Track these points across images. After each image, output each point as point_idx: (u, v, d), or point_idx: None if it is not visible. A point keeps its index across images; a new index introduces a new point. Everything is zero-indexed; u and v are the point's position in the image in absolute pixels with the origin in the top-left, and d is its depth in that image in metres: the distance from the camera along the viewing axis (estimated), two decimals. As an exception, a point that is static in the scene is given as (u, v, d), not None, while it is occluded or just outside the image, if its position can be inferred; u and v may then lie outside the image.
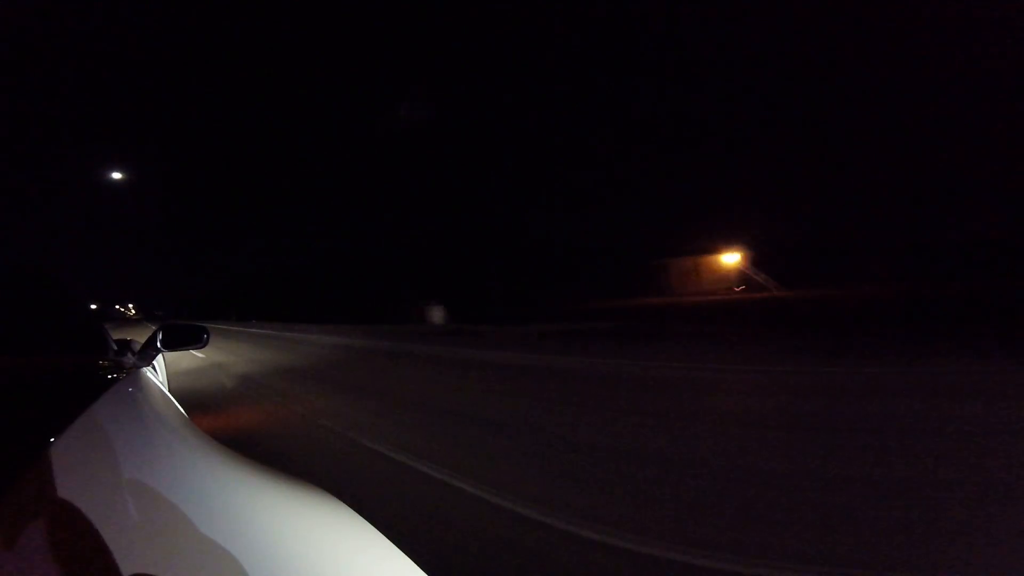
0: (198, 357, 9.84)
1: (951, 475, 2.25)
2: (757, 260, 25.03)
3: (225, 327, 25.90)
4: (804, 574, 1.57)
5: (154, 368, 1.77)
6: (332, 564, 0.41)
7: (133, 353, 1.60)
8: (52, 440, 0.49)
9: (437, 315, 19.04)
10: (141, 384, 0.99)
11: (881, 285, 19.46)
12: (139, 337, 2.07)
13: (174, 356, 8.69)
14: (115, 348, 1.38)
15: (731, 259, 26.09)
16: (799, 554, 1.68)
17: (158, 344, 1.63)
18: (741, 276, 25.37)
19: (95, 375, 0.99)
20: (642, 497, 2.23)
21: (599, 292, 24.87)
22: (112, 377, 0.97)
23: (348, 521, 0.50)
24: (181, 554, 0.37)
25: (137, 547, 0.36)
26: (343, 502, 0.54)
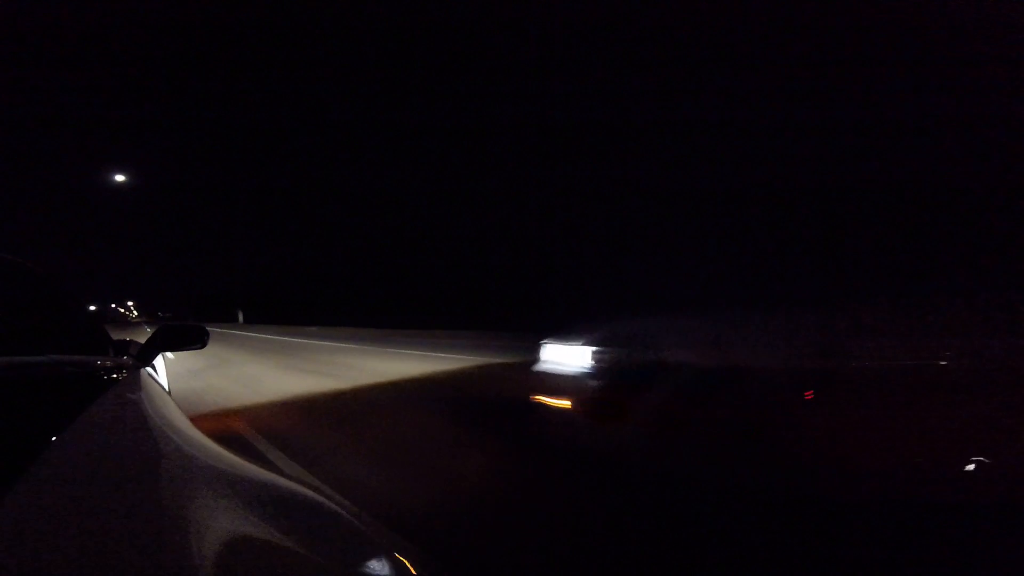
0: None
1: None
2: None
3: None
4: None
5: (154, 368, 1.76)
6: (328, 563, 0.42)
7: (133, 353, 1.59)
8: (52, 440, 0.49)
9: (240, 316, 37.21)
10: (141, 384, 0.99)
11: None
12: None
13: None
14: (115, 348, 1.38)
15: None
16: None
17: (158, 344, 1.63)
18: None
19: (95, 375, 0.99)
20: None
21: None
22: (112, 377, 0.97)
23: (345, 521, 0.51)
24: (179, 552, 0.37)
25: (136, 546, 0.36)
26: (340, 502, 0.55)
